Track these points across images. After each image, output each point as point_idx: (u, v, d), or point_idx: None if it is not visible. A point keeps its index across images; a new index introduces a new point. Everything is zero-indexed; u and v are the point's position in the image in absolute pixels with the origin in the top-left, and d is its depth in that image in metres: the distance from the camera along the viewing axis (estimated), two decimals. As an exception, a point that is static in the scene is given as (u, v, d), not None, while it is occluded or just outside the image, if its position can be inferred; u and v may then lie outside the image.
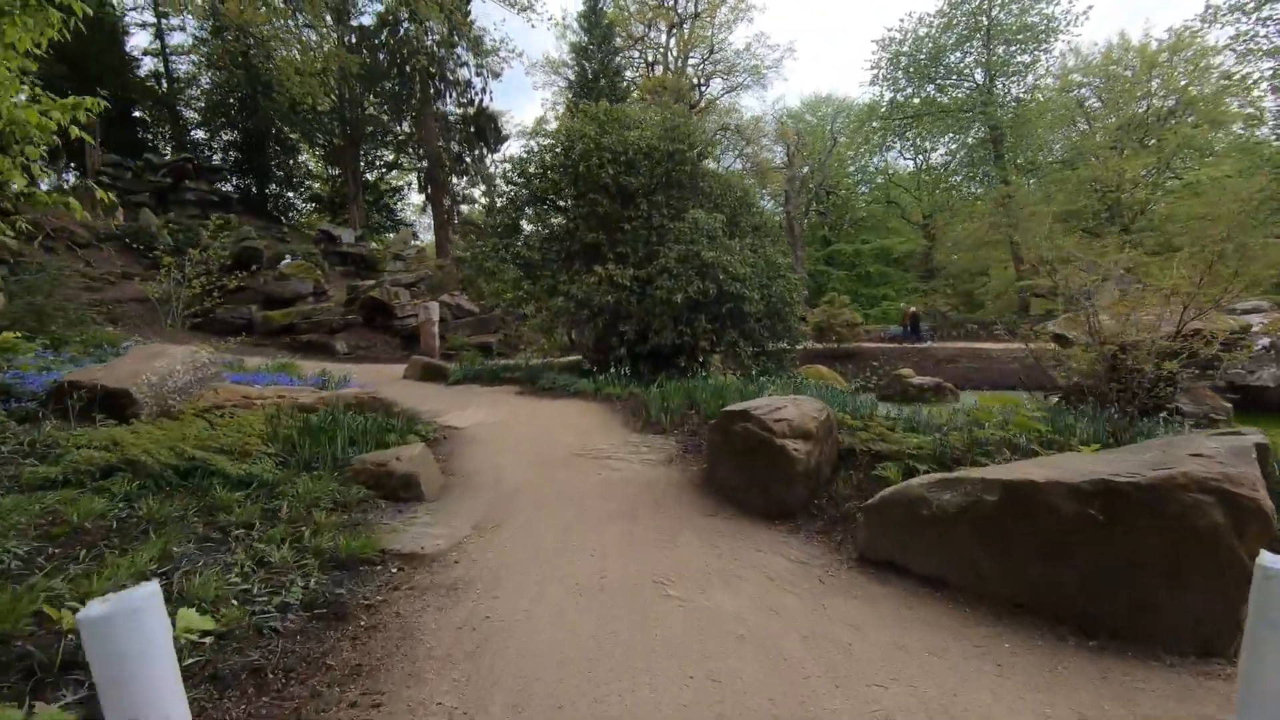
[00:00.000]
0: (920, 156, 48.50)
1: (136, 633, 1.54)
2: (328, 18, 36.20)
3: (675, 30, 44.35)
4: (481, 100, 41.78)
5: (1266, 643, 1.77)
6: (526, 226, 14.87)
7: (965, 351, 25.74)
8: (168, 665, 1.61)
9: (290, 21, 34.03)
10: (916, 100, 33.10)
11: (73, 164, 28.56)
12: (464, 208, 43.61)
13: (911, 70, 31.92)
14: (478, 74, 41.49)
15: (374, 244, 34.26)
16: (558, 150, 14.16)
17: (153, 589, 1.61)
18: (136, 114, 32.92)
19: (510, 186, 14.67)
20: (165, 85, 34.42)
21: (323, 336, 21.58)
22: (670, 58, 45.54)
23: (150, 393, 6.61)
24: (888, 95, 33.45)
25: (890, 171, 54.95)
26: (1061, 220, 34.32)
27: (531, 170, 14.75)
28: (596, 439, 7.58)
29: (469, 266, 15.21)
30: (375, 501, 5.08)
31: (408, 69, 39.39)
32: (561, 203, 14.54)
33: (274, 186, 37.25)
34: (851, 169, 55.75)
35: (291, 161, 38.48)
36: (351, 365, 19.90)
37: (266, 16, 22.74)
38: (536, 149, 14.48)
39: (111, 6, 32.06)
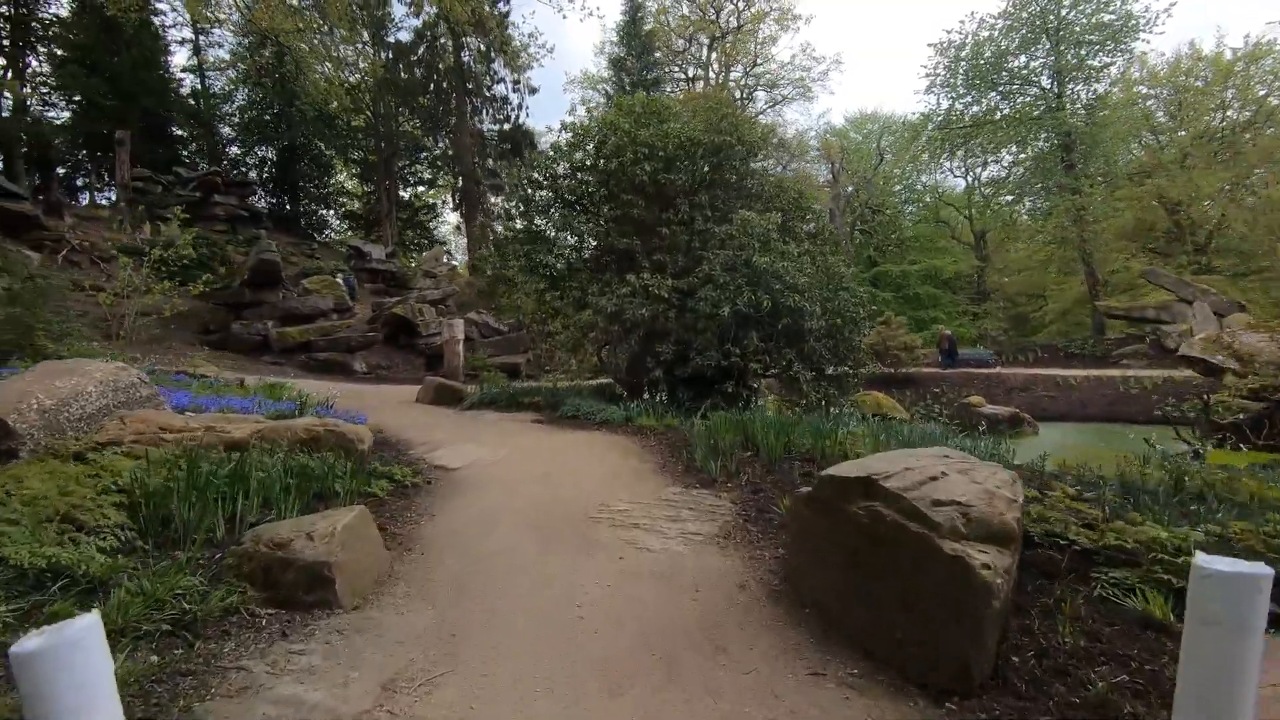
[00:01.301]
0: (972, 174, 46.17)
1: (75, 669, 1.43)
2: (364, 34, 35.87)
3: (717, 44, 43.03)
4: (517, 117, 40.92)
5: (1201, 640, 1.83)
6: (552, 233, 13.24)
7: (1040, 379, 23.21)
8: (109, 703, 1.50)
9: (326, 38, 33.72)
10: (976, 108, 30.89)
11: (107, 177, 28.29)
12: (498, 226, 42.73)
13: (972, 76, 29.79)
14: (514, 90, 40.73)
15: (406, 261, 33.31)
16: (588, 147, 12.54)
17: (93, 620, 1.49)
18: (174, 130, 32.72)
19: (534, 189, 13.08)
20: (201, 102, 34.28)
21: (340, 355, 20.29)
22: (711, 72, 44.20)
23: (40, 421, 5.02)
24: (944, 103, 31.32)
25: (940, 190, 52.60)
26: (1128, 239, 31.65)
27: (560, 171, 13.17)
28: (622, 491, 5.72)
29: (487, 277, 13.64)
30: (253, 615, 3.19)
31: (444, 85, 38.83)
32: (591, 206, 12.89)
33: (307, 203, 36.73)
34: (898, 187, 53.55)
35: (325, 178, 38.00)
36: (367, 386, 18.52)
37: (295, 23, 21.88)
38: (565, 146, 12.89)
39: (153, 25, 32.09)
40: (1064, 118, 26.44)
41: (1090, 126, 27.16)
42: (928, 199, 53.37)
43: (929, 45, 30.40)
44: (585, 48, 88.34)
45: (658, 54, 41.19)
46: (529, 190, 12.88)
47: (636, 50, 38.62)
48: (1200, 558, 1.87)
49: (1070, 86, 28.33)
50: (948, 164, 47.83)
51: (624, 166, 11.80)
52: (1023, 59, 28.94)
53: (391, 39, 37.34)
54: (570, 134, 12.91)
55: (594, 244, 13.32)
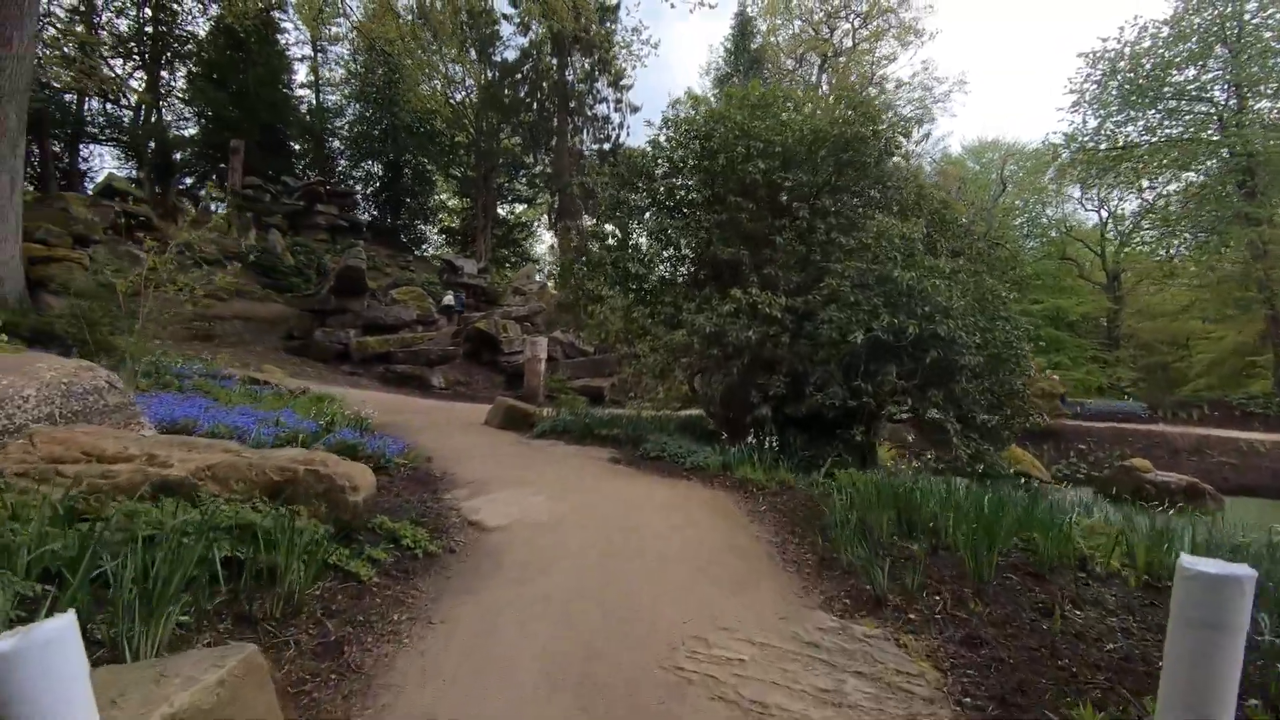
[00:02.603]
0: (1106, 207, 41.63)
1: (49, 670, 1.38)
2: (472, 52, 36.19)
3: (829, 63, 40.87)
4: (618, 137, 40.19)
5: (1185, 641, 1.85)
6: (645, 242, 11.53)
7: (1214, 441, 19.34)
8: (85, 706, 1.45)
9: (435, 55, 34.18)
10: (1130, 128, 27.15)
11: (213, 179, 29.28)
12: (594, 247, 41.87)
13: (1129, 91, 26.19)
14: (615, 109, 40.06)
15: (498, 278, 32.79)
16: (692, 143, 10.79)
17: (68, 621, 1.41)
18: (289, 144, 33.82)
19: (627, 190, 11.44)
20: (314, 117, 35.40)
21: (419, 368, 19.36)
22: (822, 93, 42.02)
23: (-69, 433, 3.65)
24: (1092, 122, 27.71)
25: (1067, 224, 47.95)
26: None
27: (658, 173, 11.48)
28: (728, 604, 3.68)
29: (569, 286, 12.09)
30: None
31: (546, 103, 38.64)
32: (692, 211, 11.09)
33: (407, 217, 37.16)
34: (1019, 220, 49.16)
35: (426, 194, 38.42)
36: (440, 402, 17.41)
37: (399, 30, 21.63)
38: (665, 143, 11.19)
39: (278, 43, 33.47)
40: (1248, 136, 22.49)
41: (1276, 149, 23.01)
42: (1053, 233, 48.82)
43: (1079, 55, 26.95)
44: (691, 68, 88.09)
45: (766, 74, 39.50)
46: (621, 192, 11.23)
47: (743, 69, 37.13)
48: (1185, 559, 1.88)
49: (1252, 102, 24.28)
50: (1077, 195, 43.40)
51: (733, 164, 9.96)
52: (1190, 71, 25.16)
53: (498, 57, 37.51)
54: (672, 129, 11.21)
55: (690, 255, 11.50)
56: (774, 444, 8.21)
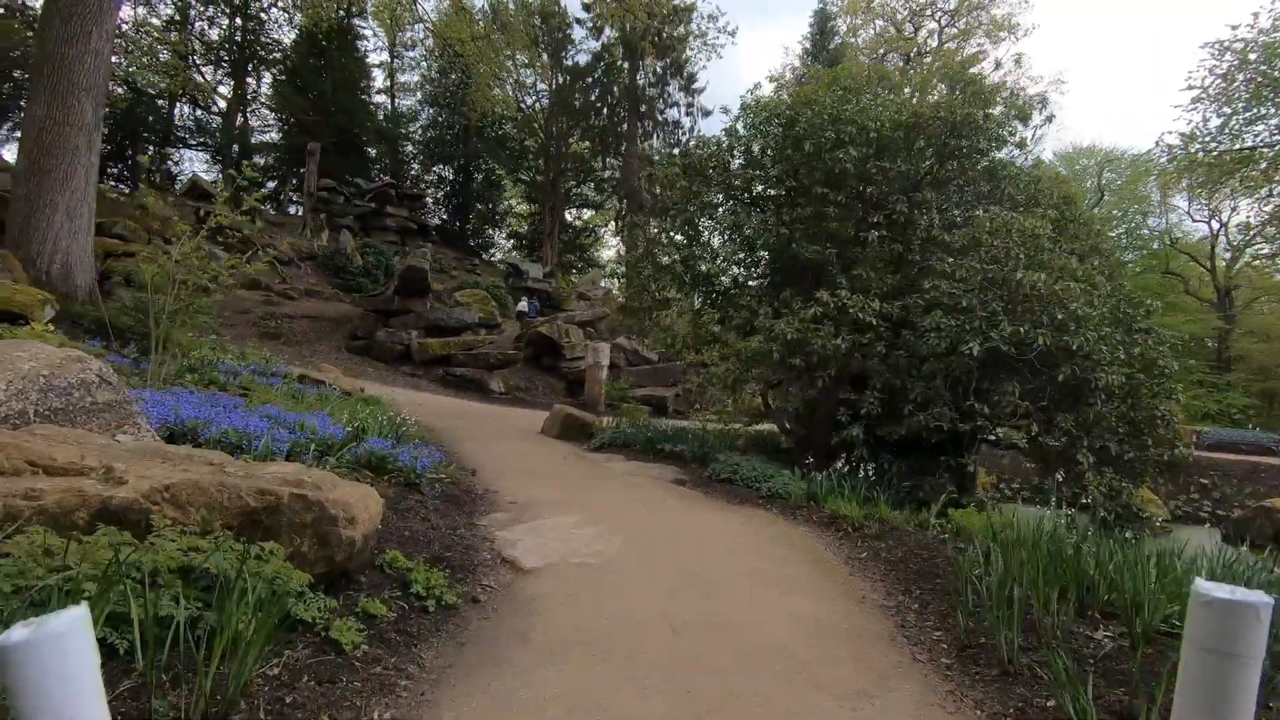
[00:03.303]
0: (1218, 217, 38.15)
1: (61, 661, 1.38)
2: (544, 55, 36.07)
3: (913, 63, 38.86)
4: (689, 141, 39.28)
5: (1199, 667, 1.80)
6: (717, 240, 10.53)
7: (1371, 481, 16.73)
8: (94, 697, 1.45)
9: (509, 59, 34.20)
10: (1260, 127, 24.34)
11: (294, 183, 29.94)
12: (664, 258, 41.12)
13: (1261, 84, 23.47)
14: (686, 113, 39.22)
15: (563, 283, 32.38)
16: (772, 130, 9.73)
17: (79, 613, 1.43)
18: (365, 148, 34.43)
19: (700, 183, 10.46)
20: (389, 121, 35.96)
21: (478, 372, 18.86)
22: (905, 94, 40.01)
23: None
24: (1215, 120, 24.97)
25: (1173, 235, 44.15)
26: None
27: (734, 165, 10.47)
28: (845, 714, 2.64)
29: (632, 289, 11.18)
30: None
31: (617, 107, 38.19)
32: (770, 205, 10.02)
33: (476, 221, 37.30)
34: (1117, 231, 45.53)
35: (496, 198, 38.52)
36: (497, 408, 16.82)
37: (470, 30, 21.40)
38: (744, 130, 10.16)
39: (357, 49, 34.17)
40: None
41: None
42: (1154, 245, 45.14)
43: (1202, 46, 24.26)
44: (761, 74, 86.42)
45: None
46: (694, 184, 10.27)
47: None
48: (1200, 584, 1.83)
49: None
50: (1183, 205, 39.92)
51: (820, 152, 8.86)
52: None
53: (569, 61, 37.28)
54: (751, 115, 10.19)
55: (767, 256, 10.42)
56: (869, 469, 7.02)
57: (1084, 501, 7.27)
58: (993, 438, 8.04)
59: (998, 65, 36.36)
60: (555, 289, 30.35)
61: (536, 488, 6.41)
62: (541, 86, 37.60)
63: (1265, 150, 25.03)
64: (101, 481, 2.93)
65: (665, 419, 16.12)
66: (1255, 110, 23.84)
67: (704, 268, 9.94)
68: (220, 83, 32.11)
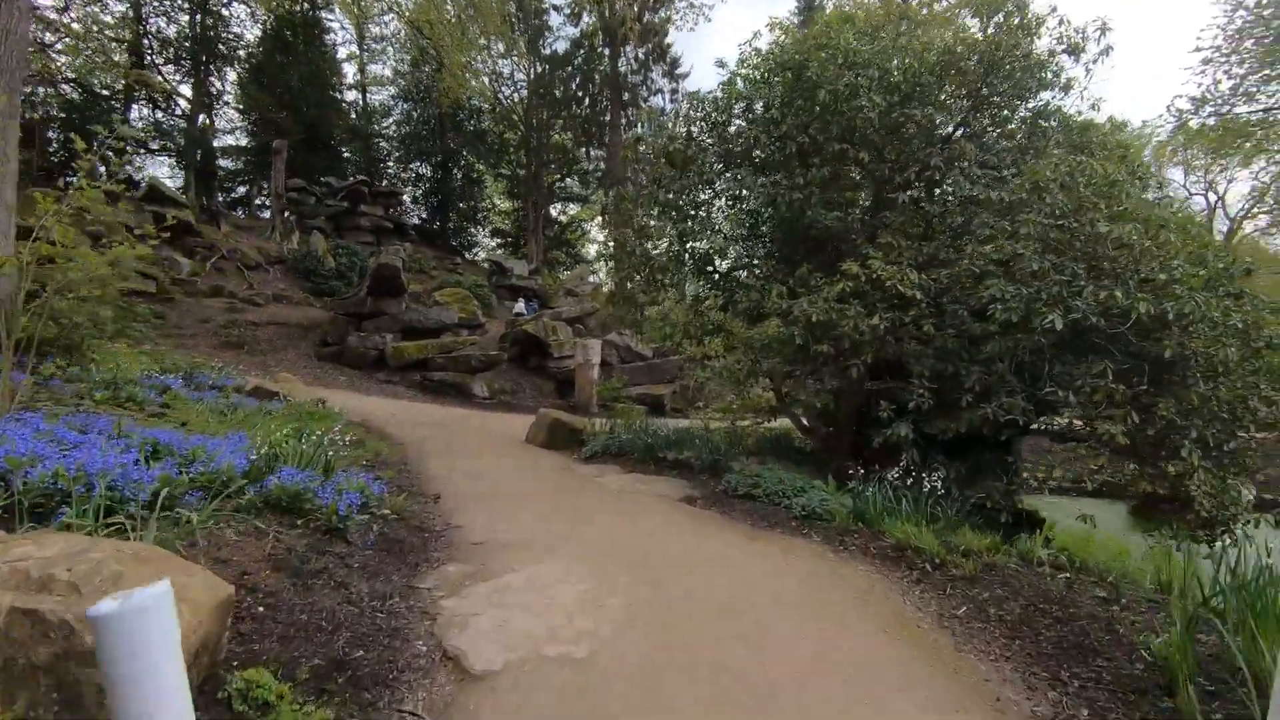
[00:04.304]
0: (1214, 190, 37.20)
1: (145, 631, 1.49)
2: (520, 43, 34.59)
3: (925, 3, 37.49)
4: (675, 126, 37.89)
5: None
6: (717, 208, 9.18)
7: None
8: (175, 665, 1.56)
9: (485, 49, 32.73)
10: (1276, 86, 23.20)
11: (263, 185, 28.33)
12: (652, 248, 39.70)
13: (1273, 42, 22.31)
14: (671, 99, 37.76)
15: (550, 280, 30.90)
16: (777, 81, 8.35)
17: (163, 589, 1.55)
18: (336, 146, 32.85)
19: (694, 148, 9.09)
20: (362, 118, 34.41)
21: (460, 376, 17.45)
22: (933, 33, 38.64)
23: None
24: (1227, 83, 23.82)
25: (1175, 208, 43.20)
26: None
27: (733, 127, 9.09)
28: None
29: (618, 276, 9.86)
30: None
31: (599, 96, 36.77)
32: (777, 168, 8.63)
33: (456, 219, 35.74)
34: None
35: (476, 194, 36.95)
36: (481, 413, 15.42)
37: (443, 18, 19.94)
38: (744, 88, 8.78)
39: (323, 43, 32.57)
40: None
41: None
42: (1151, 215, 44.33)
43: (1214, 2, 22.99)
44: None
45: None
46: (689, 148, 8.92)
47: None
48: None
49: None
50: (1179, 178, 38.92)
51: (837, 102, 7.51)
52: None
53: (547, 49, 35.76)
54: (751, 66, 8.82)
55: (773, 229, 9.06)
56: (921, 479, 5.67)
57: (1150, 489, 5.99)
58: (1039, 426, 6.74)
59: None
60: (541, 286, 28.91)
61: (511, 518, 5.05)
62: (520, 77, 36.10)
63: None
64: None
65: (663, 419, 14.77)
66: (1258, 73, 22.70)
67: (704, 244, 8.59)
68: (181, 82, 30.42)
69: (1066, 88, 8.13)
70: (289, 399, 10.50)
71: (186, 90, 29.86)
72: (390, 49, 34.05)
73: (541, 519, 5.11)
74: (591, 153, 38.52)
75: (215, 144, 31.02)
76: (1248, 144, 24.91)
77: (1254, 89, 23.31)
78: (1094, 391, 5.23)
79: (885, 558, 4.16)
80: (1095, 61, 7.64)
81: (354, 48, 33.96)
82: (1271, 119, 23.90)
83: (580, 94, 36.76)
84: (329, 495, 3.97)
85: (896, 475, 6.02)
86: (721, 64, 9.13)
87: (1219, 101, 23.61)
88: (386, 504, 4.82)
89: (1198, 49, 23.76)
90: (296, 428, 5.95)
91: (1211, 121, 24.26)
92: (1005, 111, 7.98)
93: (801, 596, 3.54)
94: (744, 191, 8.54)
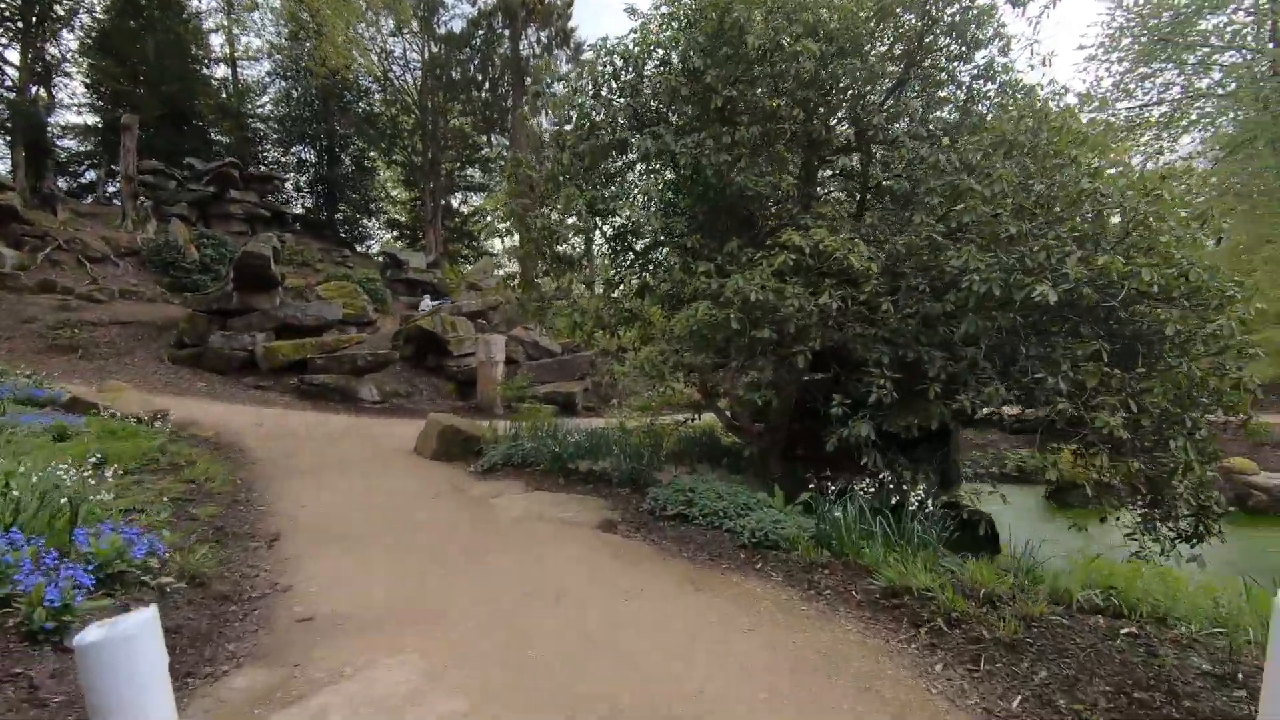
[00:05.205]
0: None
1: (131, 660, 1.43)
2: (414, 23, 32.16)
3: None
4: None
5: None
6: (632, 169, 8.01)
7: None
8: (162, 694, 1.50)
9: (374, 28, 30.24)
10: (1150, 84, 24.51)
11: (113, 167, 24.73)
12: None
13: (1149, 42, 23.49)
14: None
15: (452, 273, 28.75)
16: (698, 28, 7.23)
17: (148, 615, 1.50)
18: (202, 125, 29.34)
19: (602, 109, 7.86)
20: (233, 96, 30.97)
21: (344, 378, 15.45)
22: None
23: None
24: (1107, 81, 24.96)
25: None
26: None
27: (647, 84, 7.90)
28: None
29: (518, 255, 8.51)
30: None
31: (500, 79, 34.87)
32: (697, 130, 7.50)
33: (346, 209, 32.84)
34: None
35: (367, 182, 34.14)
36: (367, 420, 13.59)
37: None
38: (657, 31, 7.61)
39: (185, 15, 28.97)
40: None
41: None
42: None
43: None
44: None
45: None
46: (590, 101, 7.67)
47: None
48: None
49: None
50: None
51: (766, 53, 6.47)
52: (1220, 18, 22.50)
53: (442, 29, 33.48)
54: (666, 19, 7.66)
55: (697, 198, 7.95)
56: (888, 485, 4.68)
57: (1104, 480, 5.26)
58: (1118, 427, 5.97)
59: None
60: (441, 280, 26.84)
61: (367, 569, 3.66)
62: (414, 56, 33.61)
63: (1156, 107, 25.33)
64: None
65: (575, 418, 13.52)
66: (1134, 69, 23.95)
67: (619, 218, 7.38)
68: (7, 47, 26.17)
69: (1004, 48, 7.45)
70: (110, 412, 8.48)
71: (13, 56, 25.76)
72: (264, 20, 30.69)
73: (407, 570, 3.75)
74: (494, 139, 36.56)
75: (56, 120, 27.02)
76: (1129, 141, 26.27)
77: (1132, 85, 24.56)
78: (1086, 376, 4.40)
79: (876, 607, 3.10)
80: (1041, 16, 6.97)
81: (222, 18, 30.42)
82: (1145, 115, 25.26)
83: (480, 77, 34.69)
84: (28, 578, 2.46)
85: (851, 482, 5.04)
86: (633, 10, 7.90)
87: (1103, 97, 24.80)
88: (173, 566, 3.32)
89: (1081, 46, 24.86)
90: (114, 446, 4.28)
91: (1099, 117, 25.40)
92: (939, 74, 7.19)
93: (782, 693, 2.40)
94: (662, 154, 7.35)
